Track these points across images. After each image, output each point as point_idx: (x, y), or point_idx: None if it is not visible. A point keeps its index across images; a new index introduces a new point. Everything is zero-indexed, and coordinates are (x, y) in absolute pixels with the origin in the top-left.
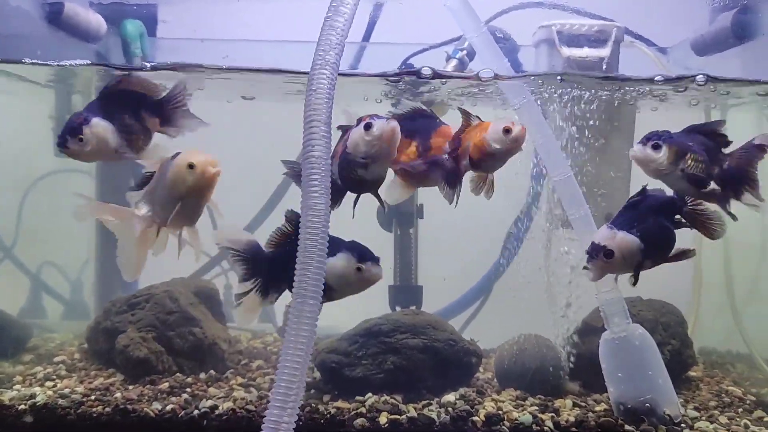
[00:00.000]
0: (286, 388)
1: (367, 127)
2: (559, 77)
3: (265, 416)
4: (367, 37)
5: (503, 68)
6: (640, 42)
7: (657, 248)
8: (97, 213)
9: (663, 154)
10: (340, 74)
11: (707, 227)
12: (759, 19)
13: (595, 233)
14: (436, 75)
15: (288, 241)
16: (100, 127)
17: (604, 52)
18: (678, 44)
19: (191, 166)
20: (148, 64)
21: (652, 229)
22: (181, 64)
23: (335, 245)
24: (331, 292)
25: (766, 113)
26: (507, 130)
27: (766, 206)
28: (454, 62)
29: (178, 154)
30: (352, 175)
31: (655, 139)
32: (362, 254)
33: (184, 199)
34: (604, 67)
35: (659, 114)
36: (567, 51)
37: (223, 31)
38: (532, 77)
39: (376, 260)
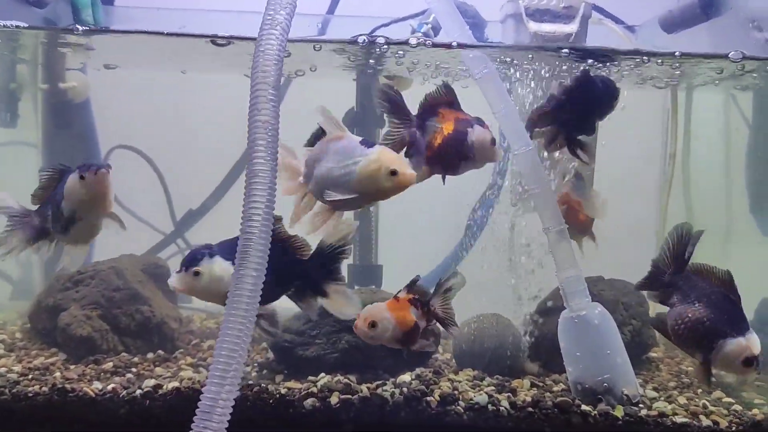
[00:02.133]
0: (225, 363)
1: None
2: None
3: (202, 393)
4: (332, 10)
5: (465, 36)
6: (609, 19)
7: None
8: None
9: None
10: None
11: None
12: None
13: None
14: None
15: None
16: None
17: (572, 28)
18: (646, 22)
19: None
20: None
21: None
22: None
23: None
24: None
25: (732, 93)
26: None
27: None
28: (419, 36)
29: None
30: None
31: None
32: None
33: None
34: (572, 43)
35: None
36: (534, 26)
37: (184, 1)
38: (492, 48)
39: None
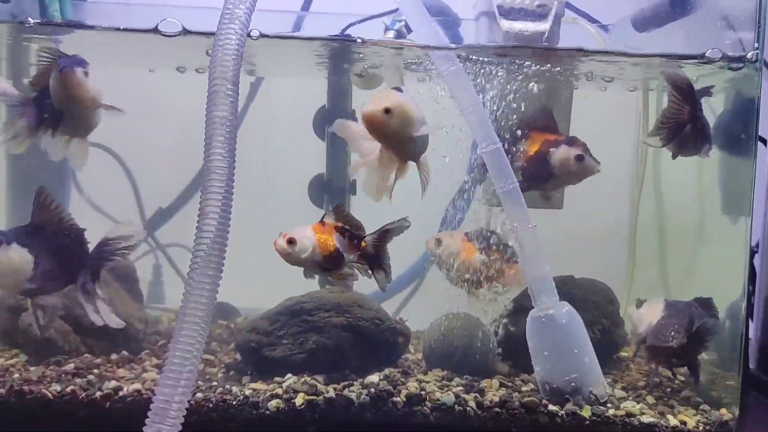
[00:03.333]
0: (179, 365)
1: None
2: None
3: (155, 395)
4: (306, 7)
5: (431, 35)
6: (582, 18)
7: None
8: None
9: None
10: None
11: None
12: None
13: None
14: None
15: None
16: None
17: (545, 26)
18: (619, 21)
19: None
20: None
21: None
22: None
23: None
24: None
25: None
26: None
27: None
28: (391, 33)
29: None
30: None
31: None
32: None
33: None
34: (544, 41)
35: (596, 92)
36: (507, 24)
37: None
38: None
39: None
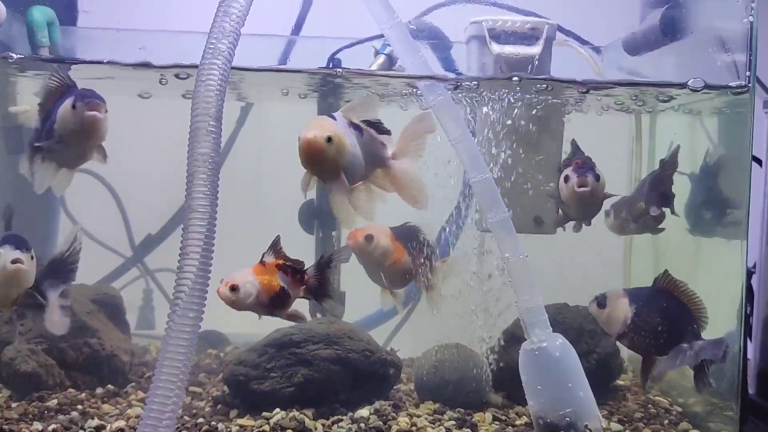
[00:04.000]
0: (161, 404)
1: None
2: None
3: None
4: (297, 31)
5: (418, 65)
6: (573, 40)
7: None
8: None
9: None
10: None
11: None
12: (688, 16)
13: None
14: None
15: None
16: None
17: (536, 49)
18: (611, 43)
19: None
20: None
21: None
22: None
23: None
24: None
25: (698, 118)
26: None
27: None
28: (381, 58)
29: None
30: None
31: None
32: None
33: None
34: (535, 64)
35: (588, 116)
36: (497, 48)
37: (144, 22)
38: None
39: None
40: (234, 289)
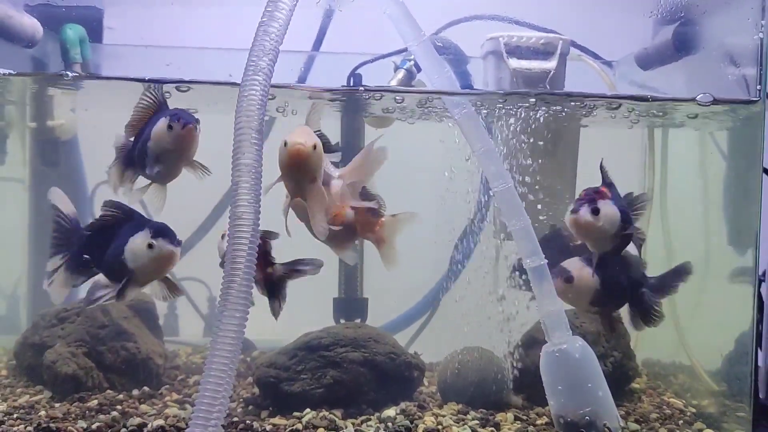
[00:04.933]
0: (209, 404)
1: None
2: (502, 97)
3: None
4: (317, 47)
5: (444, 78)
6: (587, 55)
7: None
8: None
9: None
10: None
11: None
12: (699, 33)
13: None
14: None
15: (106, 226)
16: None
17: (551, 64)
18: (624, 58)
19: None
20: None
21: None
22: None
23: (141, 225)
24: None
25: (708, 132)
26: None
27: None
28: (402, 73)
29: None
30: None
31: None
32: (159, 230)
33: None
34: (548, 79)
35: (602, 128)
36: (514, 63)
37: (171, 38)
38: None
39: (177, 241)
40: None
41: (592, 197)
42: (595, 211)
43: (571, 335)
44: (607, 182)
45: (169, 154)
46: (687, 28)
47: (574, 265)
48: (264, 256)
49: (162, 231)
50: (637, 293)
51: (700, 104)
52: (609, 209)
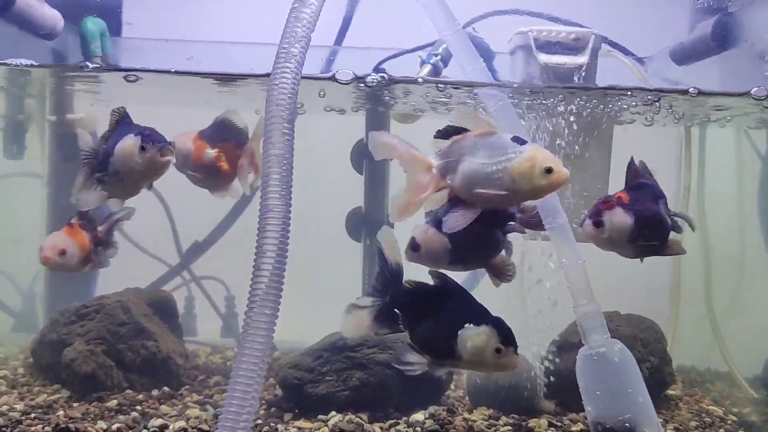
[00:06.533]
0: (239, 406)
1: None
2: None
3: None
4: (340, 41)
5: (479, 70)
6: (618, 51)
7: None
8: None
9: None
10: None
11: None
12: (740, 26)
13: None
14: (392, 80)
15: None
16: None
17: (582, 59)
18: (656, 53)
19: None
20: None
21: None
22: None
23: (480, 315)
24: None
25: (744, 128)
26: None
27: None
28: (428, 68)
29: None
30: None
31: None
32: (507, 337)
33: None
34: (582, 75)
35: (636, 126)
36: (544, 58)
37: (191, 32)
38: (512, 86)
39: (515, 346)
40: (63, 253)
41: (597, 209)
42: (598, 224)
43: (609, 338)
44: (634, 185)
45: (136, 175)
46: (727, 19)
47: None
48: (90, 230)
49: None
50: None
51: (754, 98)
52: (617, 218)
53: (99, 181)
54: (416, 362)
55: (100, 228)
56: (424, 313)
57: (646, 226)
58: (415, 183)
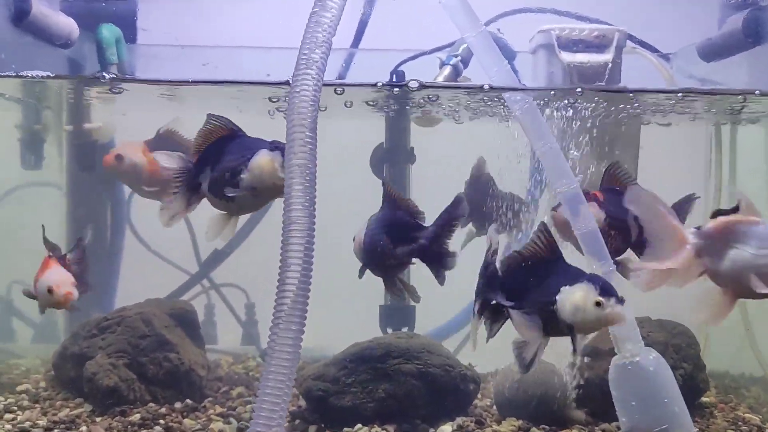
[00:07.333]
0: (267, 418)
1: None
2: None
3: None
4: (356, 44)
5: (503, 71)
6: (643, 48)
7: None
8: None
9: None
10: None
11: None
12: None
13: None
14: (422, 86)
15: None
16: None
17: (606, 57)
18: (681, 50)
19: None
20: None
21: None
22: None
23: (574, 274)
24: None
25: None
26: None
27: None
28: (447, 69)
29: None
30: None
31: None
32: (605, 288)
33: None
34: (607, 73)
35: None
36: (567, 57)
37: (206, 38)
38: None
39: (620, 299)
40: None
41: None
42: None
43: (643, 346)
44: (609, 188)
45: (274, 191)
46: (760, 14)
47: None
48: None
49: (608, 289)
50: None
51: None
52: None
53: (227, 199)
54: (532, 335)
55: (68, 256)
56: (523, 289)
57: (615, 228)
58: (662, 252)
